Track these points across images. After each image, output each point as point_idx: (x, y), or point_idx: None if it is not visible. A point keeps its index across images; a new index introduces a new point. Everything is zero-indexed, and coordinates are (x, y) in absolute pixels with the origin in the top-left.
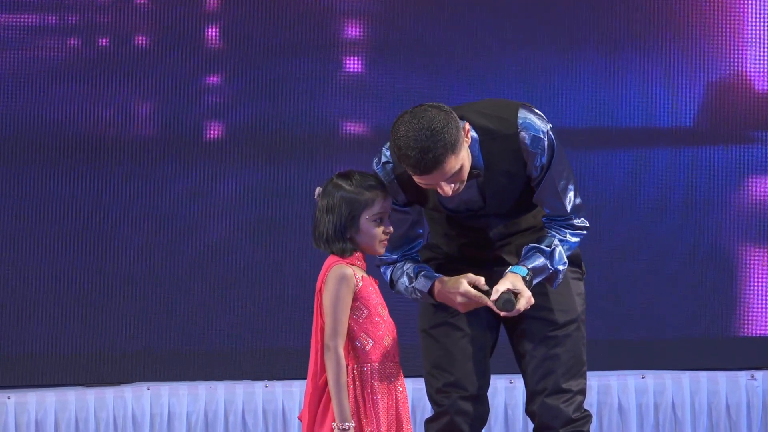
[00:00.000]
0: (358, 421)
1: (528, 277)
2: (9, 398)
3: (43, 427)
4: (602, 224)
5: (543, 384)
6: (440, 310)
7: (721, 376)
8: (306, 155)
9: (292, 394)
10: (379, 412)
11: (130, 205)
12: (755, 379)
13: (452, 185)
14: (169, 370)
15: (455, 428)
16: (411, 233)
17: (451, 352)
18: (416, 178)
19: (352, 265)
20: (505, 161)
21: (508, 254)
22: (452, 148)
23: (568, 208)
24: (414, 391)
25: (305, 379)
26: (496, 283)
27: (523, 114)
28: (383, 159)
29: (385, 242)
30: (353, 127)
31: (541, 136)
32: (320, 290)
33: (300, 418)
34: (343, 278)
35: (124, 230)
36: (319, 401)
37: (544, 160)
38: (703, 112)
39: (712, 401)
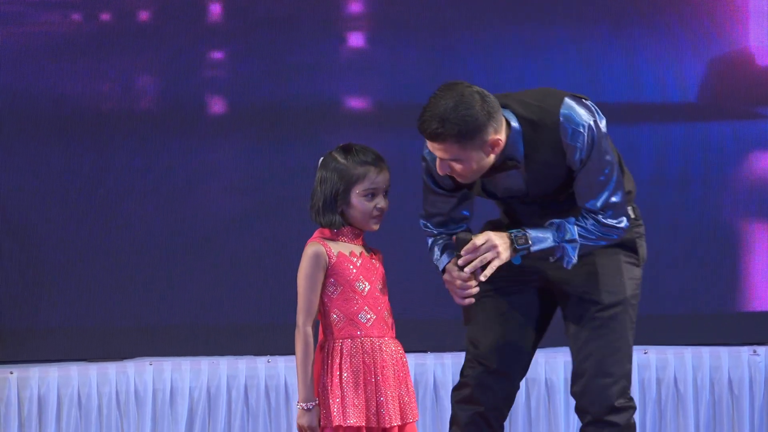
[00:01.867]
0: (324, 398)
1: (516, 236)
2: (11, 373)
3: (45, 403)
4: None
5: (585, 365)
6: (488, 281)
7: (724, 352)
8: (308, 130)
9: (294, 369)
10: (346, 389)
11: (133, 180)
12: (757, 355)
13: (445, 169)
14: (171, 345)
15: (474, 400)
16: (455, 215)
17: (485, 325)
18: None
19: (334, 240)
20: (546, 152)
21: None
22: (458, 138)
23: (599, 204)
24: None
25: None
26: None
27: (567, 105)
28: None
29: (378, 218)
30: (356, 103)
31: (581, 129)
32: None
33: None
34: (312, 256)
35: (127, 205)
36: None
37: (584, 154)
38: (705, 88)
39: (714, 376)
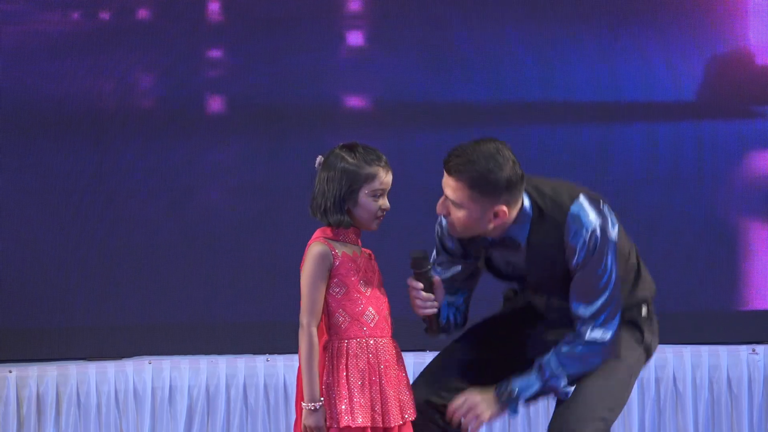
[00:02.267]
0: (330, 398)
1: (500, 392)
2: (10, 372)
3: (44, 401)
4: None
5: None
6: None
7: (723, 350)
8: (307, 129)
9: (293, 368)
10: (353, 389)
11: (131, 179)
12: (756, 354)
13: (443, 210)
14: (170, 343)
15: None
16: (454, 285)
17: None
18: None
19: (337, 240)
20: (549, 245)
21: (549, 328)
22: (472, 185)
23: (588, 313)
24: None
25: None
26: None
27: (579, 204)
28: None
29: (381, 219)
30: (355, 101)
31: (584, 232)
32: (301, 266)
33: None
34: (318, 256)
35: (126, 203)
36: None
37: (581, 258)
38: (705, 87)
39: (713, 375)
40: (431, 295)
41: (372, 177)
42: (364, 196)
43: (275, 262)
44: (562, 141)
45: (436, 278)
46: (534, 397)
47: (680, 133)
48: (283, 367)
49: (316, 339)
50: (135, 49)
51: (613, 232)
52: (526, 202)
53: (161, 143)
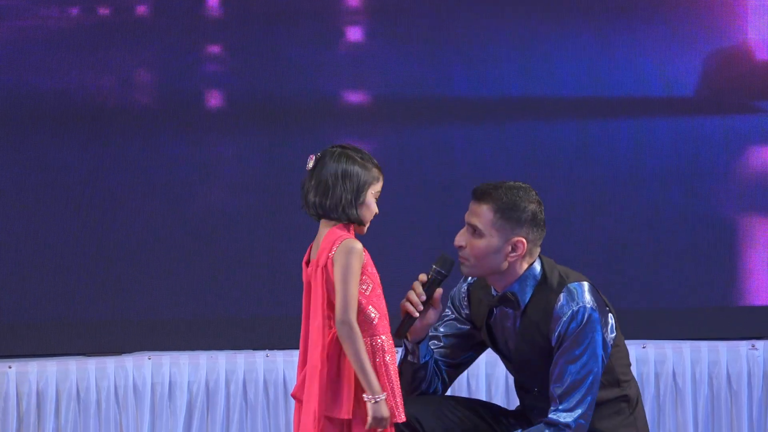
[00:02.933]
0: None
1: None
2: (10, 368)
3: (44, 397)
4: (602, 195)
5: None
6: None
7: (722, 346)
8: (306, 124)
9: (293, 363)
10: (393, 384)
11: (130, 175)
12: (756, 349)
13: (461, 241)
14: (170, 339)
15: None
16: (446, 352)
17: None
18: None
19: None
20: (540, 315)
21: (530, 411)
22: (497, 209)
23: (558, 391)
24: None
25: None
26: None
27: (578, 285)
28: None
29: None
30: (354, 97)
31: (573, 306)
32: (326, 265)
33: (294, 396)
34: (354, 251)
35: (125, 199)
36: (329, 382)
37: (562, 330)
38: (704, 82)
39: (712, 371)
40: (424, 296)
41: (377, 178)
42: (370, 195)
43: (275, 257)
44: (562, 137)
45: (439, 292)
46: None
47: (679, 129)
48: (282, 363)
49: (360, 333)
50: (134, 44)
51: (604, 322)
52: (537, 266)
53: (160, 138)
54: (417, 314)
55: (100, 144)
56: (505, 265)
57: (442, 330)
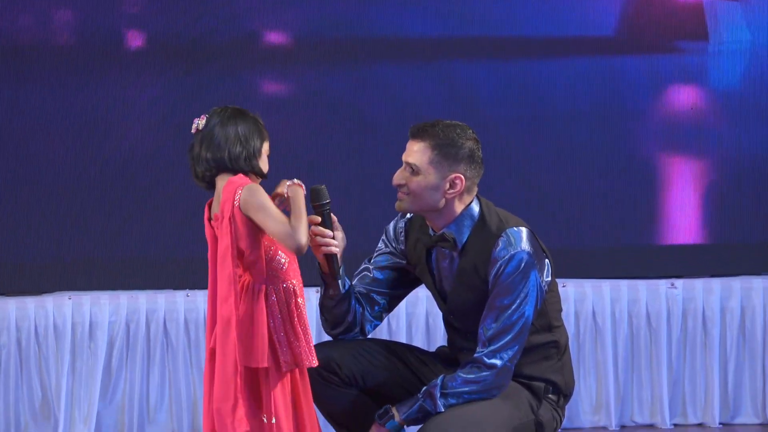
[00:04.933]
0: (287, 340)
1: (382, 413)
2: None
3: None
4: (522, 134)
5: None
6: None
7: (642, 285)
8: (227, 65)
9: None
10: (306, 328)
11: (47, 114)
12: (675, 288)
13: (400, 179)
14: (90, 279)
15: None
16: (374, 285)
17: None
18: None
19: None
20: (478, 262)
21: (459, 351)
22: (435, 146)
23: (488, 333)
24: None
25: None
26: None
27: (518, 230)
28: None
29: None
30: (275, 37)
31: (511, 250)
32: (233, 215)
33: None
34: (259, 189)
35: (42, 139)
36: (243, 333)
37: (499, 270)
38: (624, 22)
39: (632, 309)
40: (329, 231)
41: (267, 137)
42: (263, 152)
43: (193, 199)
44: (483, 76)
45: (335, 218)
46: (414, 419)
47: (598, 69)
48: (203, 302)
49: None
50: None
51: (539, 268)
52: (475, 207)
53: (78, 78)
54: (336, 249)
55: (15, 84)
56: (443, 202)
57: (375, 261)
